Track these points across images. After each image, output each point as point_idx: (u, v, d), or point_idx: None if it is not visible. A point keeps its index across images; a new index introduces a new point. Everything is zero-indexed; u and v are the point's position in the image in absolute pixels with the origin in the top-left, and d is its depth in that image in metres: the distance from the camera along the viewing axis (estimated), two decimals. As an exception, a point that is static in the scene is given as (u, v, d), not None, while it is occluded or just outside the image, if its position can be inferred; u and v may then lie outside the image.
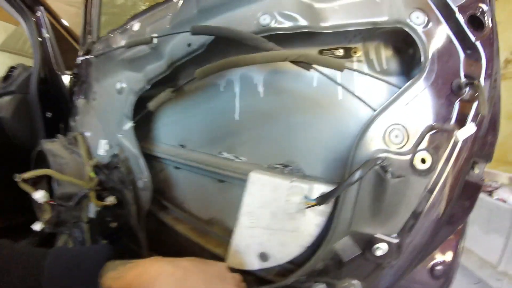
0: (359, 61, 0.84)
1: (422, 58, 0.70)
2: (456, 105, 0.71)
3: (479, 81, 0.70)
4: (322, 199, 0.73)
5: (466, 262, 2.73)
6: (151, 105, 1.00)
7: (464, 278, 2.72)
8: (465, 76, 0.71)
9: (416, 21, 0.71)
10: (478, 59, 0.71)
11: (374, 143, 0.70)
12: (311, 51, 0.86)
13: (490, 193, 2.81)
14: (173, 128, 1.15)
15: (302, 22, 0.76)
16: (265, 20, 0.78)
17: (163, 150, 1.16)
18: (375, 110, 0.72)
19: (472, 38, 0.70)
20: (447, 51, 0.71)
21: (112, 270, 0.62)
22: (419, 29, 0.70)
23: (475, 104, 0.71)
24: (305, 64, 0.70)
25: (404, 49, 0.83)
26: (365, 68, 0.83)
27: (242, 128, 0.95)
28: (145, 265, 0.64)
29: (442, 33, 0.71)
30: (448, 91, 0.70)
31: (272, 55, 0.70)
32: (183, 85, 0.98)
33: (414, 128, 0.70)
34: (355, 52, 0.83)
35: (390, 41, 0.83)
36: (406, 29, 0.71)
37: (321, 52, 0.85)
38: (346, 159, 0.73)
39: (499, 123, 0.74)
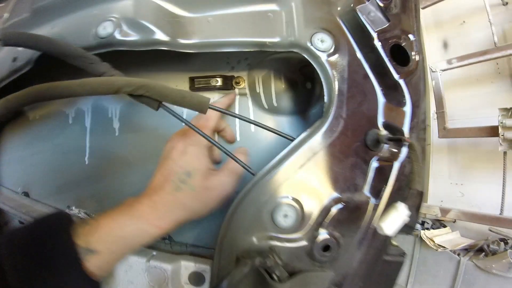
0: (242, 94, 0.57)
1: (326, 99, 0.44)
2: (372, 166, 0.45)
3: (403, 135, 0.46)
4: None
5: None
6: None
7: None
8: (385, 125, 0.46)
9: (320, 45, 0.45)
10: (401, 103, 0.48)
11: (251, 226, 0.42)
12: (173, 80, 0.56)
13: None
14: (16, 168, 0.77)
15: (159, 35, 0.46)
16: (105, 29, 0.47)
17: (4, 197, 0.77)
18: (253, 174, 0.43)
19: (395, 74, 0.45)
20: (360, 89, 0.46)
21: (81, 227, 0.39)
22: (323, 57, 0.44)
23: (396, 164, 0.46)
24: (150, 100, 0.40)
25: (300, 81, 0.57)
26: (249, 103, 0.56)
27: (93, 175, 0.62)
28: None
29: (355, 64, 0.46)
30: (361, 146, 0.45)
31: (96, 84, 0.39)
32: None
33: (312, 203, 0.43)
34: (237, 83, 0.56)
35: (283, 70, 0.56)
36: (305, 56, 0.45)
37: (192, 80, 0.56)
38: (214, 241, 0.44)
39: (426, 187, 0.50)
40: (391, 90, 0.47)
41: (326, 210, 0.43)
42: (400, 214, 0.39)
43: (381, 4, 0.47)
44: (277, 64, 0.55)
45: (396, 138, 0.43)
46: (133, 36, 0.46)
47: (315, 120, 0.56)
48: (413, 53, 0.48)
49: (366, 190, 0.45)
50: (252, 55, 0.54)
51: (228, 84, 0.56)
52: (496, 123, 0.80)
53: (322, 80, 0.44)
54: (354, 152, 0.44)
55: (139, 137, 0.59)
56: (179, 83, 0.57)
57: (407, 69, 0.47)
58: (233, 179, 0.47)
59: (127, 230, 0.40)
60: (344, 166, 0.44)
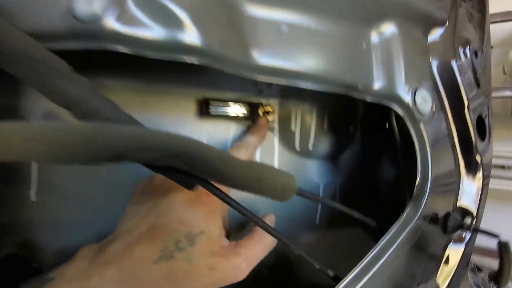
0: (269, 128, 0.36)
1: (419, 177, 0.27)
2: (446, 253, 0.31)
3: (474, 219, 0.33)
4: None
5: None
6: None
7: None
8: (459, 208, 0.32)
9: (421, 107, 0.27)
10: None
11: None
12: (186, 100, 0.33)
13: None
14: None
15: (191, 35, 0.19)
16: (89, 3, 0.16)
17: None
18: (334, 278, 0.24)
19: (479, 149, 0.31)
20: (449, 166, 0.30)
21: None
22: (422, 123, 0.27)
23: (461, 246, 0.33)
24: (185, 176, 0.16)
25: (344, 124, 0.40)
26: (275, 142, 0.37)
27: (41, 219, 0.34)
28: None
29: (448, 137, 0.30)
30: (440, 232, 0.30)
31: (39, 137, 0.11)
32: None
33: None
34: (266, 112, 0.35)
35: (328, 108, 0.38)
36: (403, 116, 0.27)
37: (205, 103, 0.33)
38: None
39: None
40: (471, 168, 0.33)
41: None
42: None
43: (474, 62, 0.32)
44: (322, 100, 0.36)
45: (488, 233, 0.30)
46: (145, 29, 0.18)
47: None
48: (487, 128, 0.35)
49: (438, 276, 0.31)
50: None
51: (255, 114, 0.34)
52: None
53: (417, 152, 0.28)
54: (435, 240, 0.30)
55: (112, 168, 0.33)
56: (180, 103, 0.33)
57: (484, 145, 0.34)
58: (253, 263, 0.22)
59: None
60: (426, 257, 0.29)
